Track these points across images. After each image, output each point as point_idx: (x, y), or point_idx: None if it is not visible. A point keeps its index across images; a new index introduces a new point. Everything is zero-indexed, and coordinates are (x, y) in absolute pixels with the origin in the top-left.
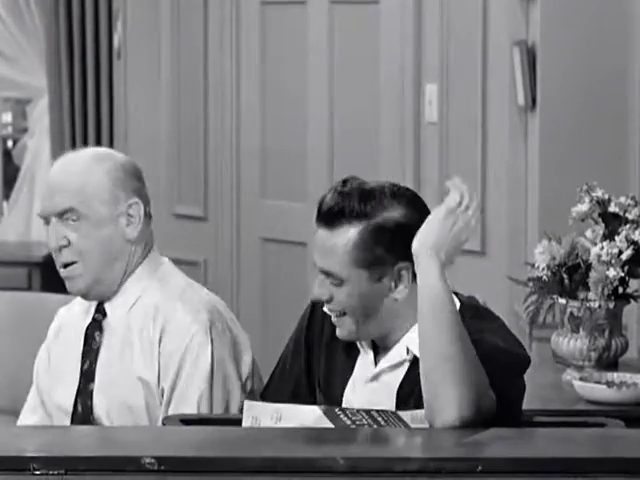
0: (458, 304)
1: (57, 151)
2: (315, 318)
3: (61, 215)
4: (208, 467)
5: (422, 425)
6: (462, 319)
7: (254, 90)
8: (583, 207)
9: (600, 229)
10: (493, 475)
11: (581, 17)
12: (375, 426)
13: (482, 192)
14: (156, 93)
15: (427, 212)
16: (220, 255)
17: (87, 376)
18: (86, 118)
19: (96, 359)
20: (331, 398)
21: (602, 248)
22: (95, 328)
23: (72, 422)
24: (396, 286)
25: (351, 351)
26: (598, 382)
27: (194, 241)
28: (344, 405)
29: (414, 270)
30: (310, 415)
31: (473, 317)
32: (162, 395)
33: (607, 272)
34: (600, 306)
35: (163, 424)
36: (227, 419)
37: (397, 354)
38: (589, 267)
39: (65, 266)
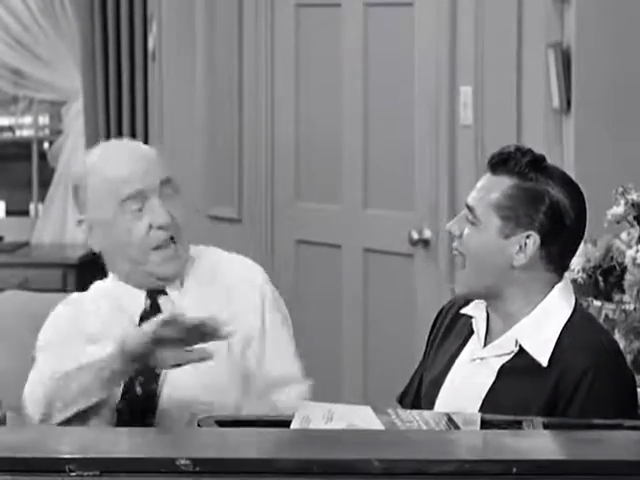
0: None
1: None
2: (439, 318)
3: (162, 187)
4: (243, 468)
5: (473, 427)
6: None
7: (288, 92)
8: (618, 209)
9: (635, 232)
10: (528, 477)
11: (616, 19)
12: (425, 427)
13: None
14: (191, 95)
15: (583, 215)
16: (254, 257)
17: None
18: (121, 120)
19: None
20: (436, 377)
21: (637, 251)
22: (152, 313)
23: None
24: (518, 252)
25: (464, 334)
26: None
27: (228, 243)
28: (446, 384)
29: (541, 252)
30: (362, 415)
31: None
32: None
33: None
34: (635, 309)
35: (198, 425)
36: (261, 420)
37: (506, 344)
38: (624, 270)
39: (162, 246)
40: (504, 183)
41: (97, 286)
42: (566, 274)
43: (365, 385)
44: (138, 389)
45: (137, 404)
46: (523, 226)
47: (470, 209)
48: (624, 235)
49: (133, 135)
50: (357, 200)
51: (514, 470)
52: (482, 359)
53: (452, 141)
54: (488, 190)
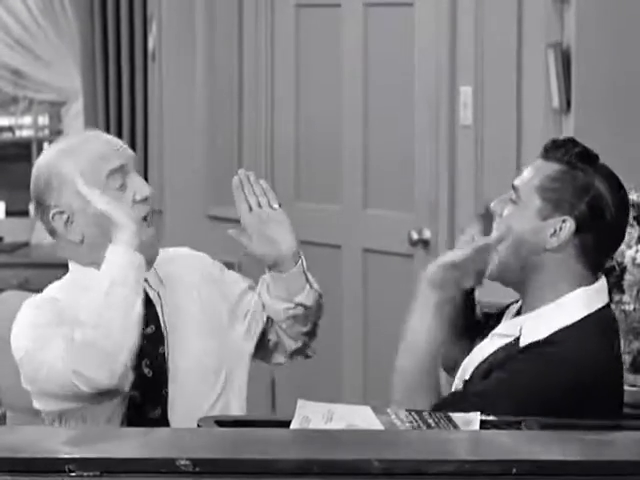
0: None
1: None
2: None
3: (134, 162)
4: (243, 469)
5: (473, 427)
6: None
7: (288, 92)
8: None
9: (635, 232)
10: (528, 477)
11: (616, 19)
12: (424, 427)
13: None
14: (190, 95)
15: (622, 217)
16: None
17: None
18: (121, 120)
19: (158, 321)
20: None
21: (637, 251)
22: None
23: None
24: (552, 235)
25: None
26: (633, 385)
27: (228, 243)
28: (467, 358)
29: (575, 240)
30: (362, 415)
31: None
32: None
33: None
34: (635, 309)
35: (198, 426)
36: (261, 421)
37: (512, 326)
38: (624, 270)
39: (146, 219)
40: (552, 168)
41: (62, 283)
42: (602, 283)
43: (365, 385)
44: (147, 370)
45: (148, 386)
46: (562, 210)
47: (515, 189)
48: None
49: (133, 135)
50: (357, 200)
51: (514, 470)
52: (494, 335)
53: (452, 141)
54: (535, 172)
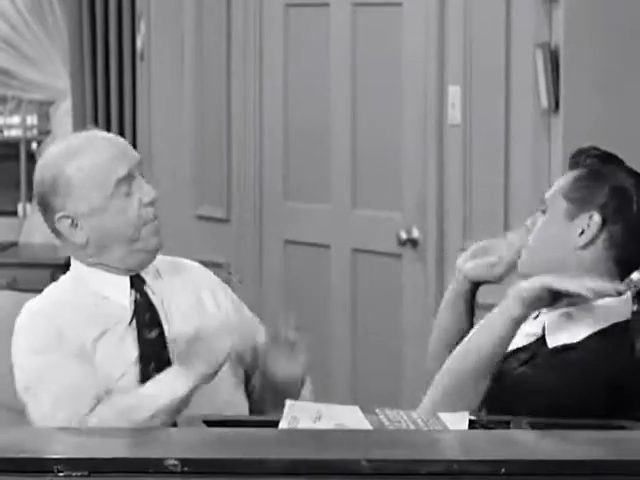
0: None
1: None
2: None
3: (140, 167)
4: (231, 469)
5: (461, 427)
6: None
7: (277, 91)
8: None
9: None
10: (516, 477)
11: (605, 19)
12: (413, 427)
13: (505, 194)
14: (179, 95)
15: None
16: (243, 257)
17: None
18: (109, 120)
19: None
20: None
21: None
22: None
23: None
24: (581, 234)
25: None
26: None
27: (217, 243)
28: None
29: (604, 234)
30: (350, 415)
31: None
32: None
33: (632, 275)
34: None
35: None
36: (249, 420)
37: (537, 324)
38: None
39: (150, 220)
40: (575, 173)
41: (63, 283)
42: (628, 295)
43: (353, 385)
44: (155, 375)
45: None
46: (587, 207)
47: (543, 201)
48: None
49: (121, 134)
50: (346, 200)
51: (502, 470)
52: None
53: (440, 140)
54: (561, 181)
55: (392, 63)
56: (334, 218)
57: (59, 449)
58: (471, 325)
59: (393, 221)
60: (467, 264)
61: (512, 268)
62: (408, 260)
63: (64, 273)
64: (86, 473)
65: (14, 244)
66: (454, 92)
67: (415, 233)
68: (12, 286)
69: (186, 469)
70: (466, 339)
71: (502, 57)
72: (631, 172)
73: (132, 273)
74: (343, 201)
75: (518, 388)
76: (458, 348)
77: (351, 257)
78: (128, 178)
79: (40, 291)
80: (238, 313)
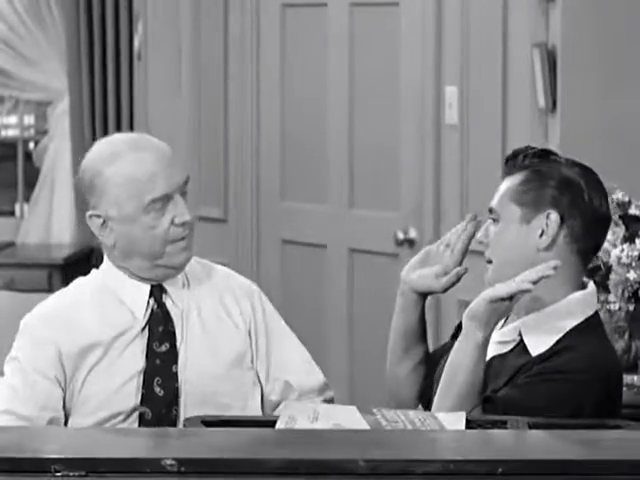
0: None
1: (77, 153)
2: None
3: (184, 187)
4: (229, 469)
5: (458, 427)
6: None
7: (274, 91)
8: None
9: (620, 231)
10: (513, 477)
11: (601, 18)
12: (410, 427)
13: None
14: (176, 95)
15: (601, 194)
16: (240, 257)
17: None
18: (106, 120)
19: (174, 339)
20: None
21: (622, 250)
22: (160, 315)
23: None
24: (541, 235)
25: None
26: None
27: (214, 243)
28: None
29: (564, 230)
30: (347, 415)
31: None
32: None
33: (627, 275)
34: (620, 308)
35: (184, 425)
36: (247, 420)
37: (510, 332)
38: (609, 269)
39: (179, 239)
40: (517, 177)
41: (89, 281)
42: (591, 286)
43: (351, 384)
44: (158, 389)
45: (159, 405)
46: (541, 206)
47: (491, 211)
48: (609, 235)
49: None
50: (343, 200)
51: (499, 470)
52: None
53: (437, 141)
54: (504, 188)
55: (389, 63)
56: (331, 218)
57: (56, 449)
58: (425, 327)
59: (390, 221)
60: (411, 275)
61: (457, 276)
62: (405, 260)
63: (62, 273)
64: (83, 473)
65: (11, 244)
66: (451, 92)
67: (412, 233)
68: (9, 286)
69: (183, 469)
70: (443, 375)
71: (499, 57)
72: (571, 162)
73: (154, 282)
74: (340, 201)
75: (509, 412)
76: (440, 385)
77: (348, 257)
78: (164, 198)
79: (37, 291)
80: (264, 323)
